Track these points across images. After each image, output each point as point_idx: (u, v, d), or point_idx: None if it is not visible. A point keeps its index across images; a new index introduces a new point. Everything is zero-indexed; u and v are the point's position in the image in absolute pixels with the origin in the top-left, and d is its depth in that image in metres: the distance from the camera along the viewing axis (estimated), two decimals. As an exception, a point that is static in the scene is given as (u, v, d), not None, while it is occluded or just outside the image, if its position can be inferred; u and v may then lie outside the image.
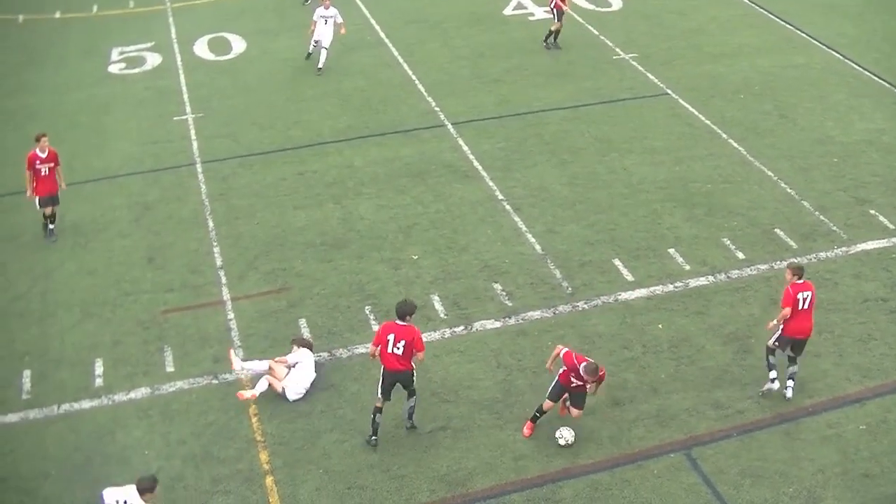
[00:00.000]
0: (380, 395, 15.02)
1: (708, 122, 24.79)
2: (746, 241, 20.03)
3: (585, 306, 18.20)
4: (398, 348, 14.65)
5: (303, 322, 17.82)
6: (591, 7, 32.20)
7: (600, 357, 16.68)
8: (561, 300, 18.34)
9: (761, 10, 32.16)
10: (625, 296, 18.46)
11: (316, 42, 27.50)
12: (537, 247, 19.79)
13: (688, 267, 19.21)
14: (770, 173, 22.48)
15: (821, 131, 24.50)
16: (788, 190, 21.83)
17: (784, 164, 22.84)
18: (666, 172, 22.56)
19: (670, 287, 18.66)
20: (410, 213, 21.08)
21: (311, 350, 16.52)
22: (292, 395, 16.08)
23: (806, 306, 15.55)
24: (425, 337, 16.63)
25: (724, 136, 24.07)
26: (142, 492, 12.58)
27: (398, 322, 14.75)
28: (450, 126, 24.80)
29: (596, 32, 30.22)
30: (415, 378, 15.18)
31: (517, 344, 17.26)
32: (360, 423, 15.59)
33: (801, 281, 15.60)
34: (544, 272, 19.13)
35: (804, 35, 30.19)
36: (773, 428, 15.53)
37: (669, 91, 26.39)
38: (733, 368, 16.73)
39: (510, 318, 17.88)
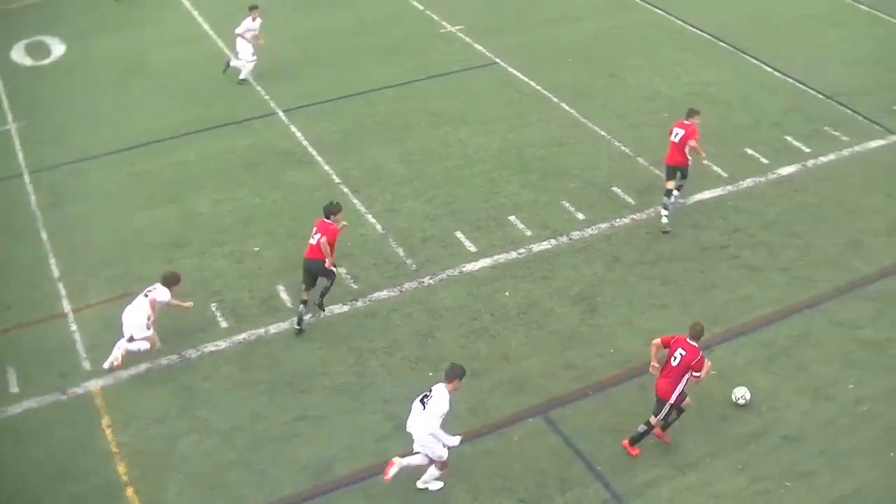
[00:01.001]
0: (303, 286, 17.57)
1: (539, 87, 25.93)
2: (585, 201, 21.21)
3: (431, 281, 19.02)
4: (313, 239, 17.28)
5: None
6: (414, -18, 32.99)
7: (450, 331, 17.59)
8: (406, 278, 19.12)
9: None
10: (469, 267, 19.36)
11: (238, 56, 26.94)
12: (378, 227, 20.51)
13: (529, 232, 20.24)
14: (603, 133, 23.79)
15: (649, 88, 26.01)
16: (622, 148, 23.17)
17: (616, 123, 24.20)
18: (500, 141, 23.58)
19: (514, 254, 19.66)
20: (248, 204, 21.53)
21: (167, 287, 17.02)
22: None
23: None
24: (273, 328, 17.28)
25: (556, 100, 25.24)
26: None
27: (324, 219, 17.36)
28: (281, 114, 25.25)
29: (421, 7, 31.06)
30: (324, 270, 17.46)
31: (366, 326, 17.95)
32: (216, 422, 16.07)
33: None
34: (387, 251, 19.86)
35: (627, -3, 31.74)
36: (627, 383, 16.62)
37: (499, 60, 27.42)
38: (582, 328, 17.80)
39: (357, 300, 18.55)
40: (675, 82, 26.25)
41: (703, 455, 15.35)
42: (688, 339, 14.92)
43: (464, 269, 19.29)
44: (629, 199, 21.29)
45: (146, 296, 16.94)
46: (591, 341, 17.43)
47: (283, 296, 18.71)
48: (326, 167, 22.76)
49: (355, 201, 21.35)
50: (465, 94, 25.78)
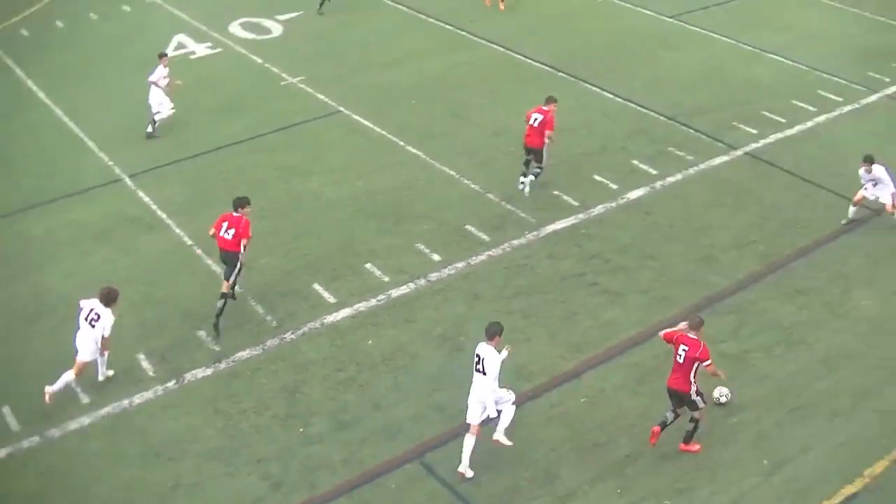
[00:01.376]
0: (223, 278, 19.20)
1: (384, 132, 26.33)
2: (440, 242, 21.60)
3: (293, 336, 19.08)
4: (228, 234, 18.87)
5: (7, 410, 17.55)
6: (252, 36, 33.16)
7: (317, 384, 17.69)
8: (268, 334, 19.12)
9: (420, 15, 34.34)
10: (330, 318, 19.48)
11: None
12: (236, 287, 20.48)
13: (387, 278, 20.49)
14: (452, 172, 24.28)
15: (494, 123, 26.68)
16: (472, 185, 23.70)
17: (464, 162, 24.74)
18: (351, 189, 23.84)
19: (373, 301, 19.87)
20: (101, 274, 21.13)
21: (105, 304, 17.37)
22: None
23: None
24: (137, 399, 17.14)
25: (402, 143, 25.68)
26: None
27: (233, 213, 19.00)
28: (127, 179, 24.93)
29: (260, 61, 31.21)
30: (239, 259, 18.97)
31: (232, 387, 17.89)
32: (87, 501, 15.72)
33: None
34: (247, 309, 19.84)
35: (465, 34, 32.55)
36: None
37: (342, 108, 27.77)
38: (449, 369, 18.04)
39: (220, 362, 18.48)
40: (521, 116, 26.78)
41: (582, 483, 15.72)
42: (688, 334, 15.64)
43: (325, 321, 19.41)
44: (483, 236, 21.77)
45: (92, 325, 17.18)
46: (458, 381, 17.58)
47: (144, 364, 18.49)
48: (177, 230, 22.63)
49: (209, 262, 21.24)
50: (312, 145, 26.04)
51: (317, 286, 20.36)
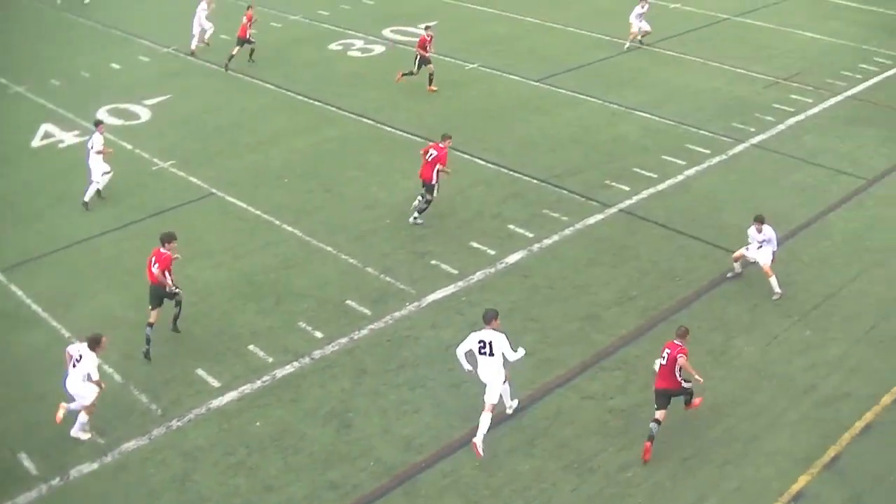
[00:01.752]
0: (149, 307, 20.71)
1: (259, 212, 26.54)
2: (321, 319, 21.81)
3: (179, 423, 19.03)
4: (154, 268, 20.52)
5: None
6: (120, 122, 33.07)
7: (207, 470, 17.68)
8: (154, 424, 19.01)
9: (288, 92, 34.83)
10: (216, 402, 19.47)
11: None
12: (116, 376, 20.32)
13: (271, 359, 20.60)
14: (330, 248, 24.59)
15: (367, 197, 27.14)
16: (350, 260, 24.03)
17: (341, 237, 25.08)
18: (228, 272, 23.95)
19: (258, 383, 19.93)
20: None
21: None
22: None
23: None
24: (21, 499, 16.98)
25: (278, 222, 25.94)
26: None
27: (160, 248, 20.64)
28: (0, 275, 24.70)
29: (130, 147, 31.14)
30: (168, 290, 20.56)
31: (119, 480, 17.70)
32: None
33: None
34: (130, 399, 19.70)
35: (334, 109, 33.11)
36: (393, 492, 17.09)
37: (215, 190, 27.90)
38: (339, 446, 18.20)
39: (106, 455, 18.31)
40: (394, 188, 27.56)
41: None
42: (674, 340, 17.98)
43: (211, 406, 19.43)
44: (365, 311, 22.07)
45: (74, 366, 18.36)
46: (350, 457, 17.90)
47: (27, 463, 18.21)
48: (55, 323, 22.37)
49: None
50: (186, 229, 25.90)
51: (200, 371, 20.37)
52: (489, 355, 17.70)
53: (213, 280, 23.66)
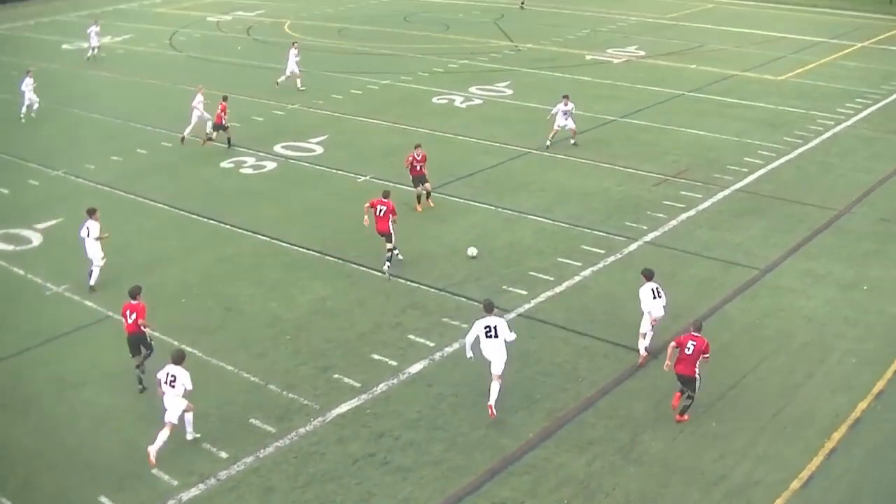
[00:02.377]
0: (130, 355, 23.83)
1: (156, 333, 26.01)
2: (226, 439, 21.72)
3: (82, 557, 18.74)
4: (130, 318, 23.48)
5: None
6: (10, 247, 32.66)
7: None
8: (54, 560, 18.70)
9: (181, 211, 34.86)
10: (121, 530, 19.25)
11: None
12: (13, 512, 20.03)
13: (176, 482, 20.39)
14: (231, 367, 24.57)
15: (267, 314, 27.24)
16: (252, 378, 24.03)
17: (242, 355, 25.10)
18: (128, 394, 23.67)
19: (165, 508, 19.80)
20: None
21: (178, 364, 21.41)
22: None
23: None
24: None
25: (177, 343, 25.73)
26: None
27: (131, 301, 23.61)
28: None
29: (22, 272, 30.78)
30: (146, 338, 23.53)
31: None
32: None
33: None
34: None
35: (228, 226, 33.22)
36: None
37: (111, 313, 27.62)
38: (251, 567, 18.13)
39: None
40: (292, 303, 27.69)
41: None
42: (694, 333, 21.64)
43: (115, 535, 19.18)
44: (269, 428, 22.05)
45: (172, 386, 21.15)
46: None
47: None
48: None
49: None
50: (84, 354, 25.78)
51: (103, 498, 20.07)
52: (494, 337, 22.09)
53: (114, 404, 23.44)
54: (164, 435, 20.86)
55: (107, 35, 69.67)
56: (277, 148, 41.60)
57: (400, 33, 65.87)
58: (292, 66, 51.83)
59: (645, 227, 32.01)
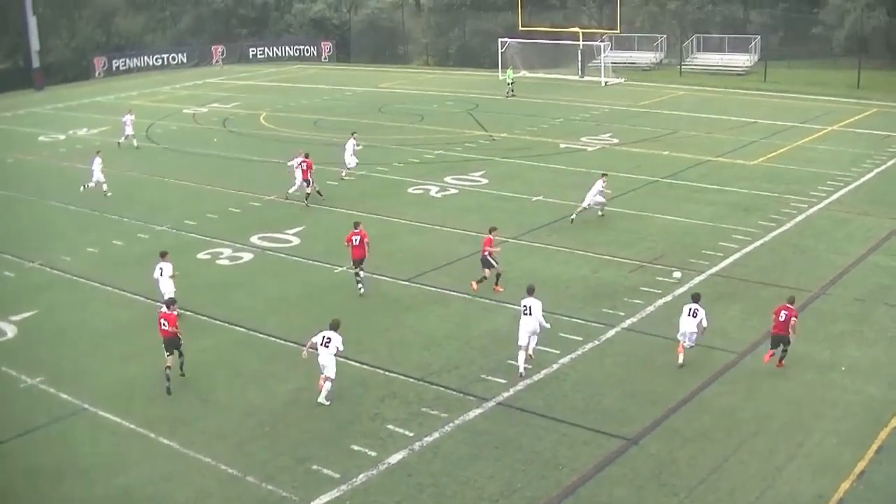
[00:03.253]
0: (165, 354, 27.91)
1: (132, 425, 26.29)
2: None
3: None
4: (165, 325, 28.04)
5: None
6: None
7: None
8: None
9: (158, 302, 34.57)
10: None
11: None
12: None
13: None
14: (208, 459, 24.42)
15: (246, 404, 27.18)
16: (230, 470, 23.89)
17: (219, 446, 24.97)
18: (104, 488, 23.49)
19: None
20: None
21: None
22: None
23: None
24: None
25: (153, 435, 25.69)
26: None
27: (165, 311, 28.37)
28: None
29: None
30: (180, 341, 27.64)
31: None
32: None
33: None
34: None
35: (205, 318, 33.27)
36: None
37: (87, 405, 27.51)
38: None
39: None
40: (270, 394, 27.69)
41: None
42: (787, 305, 28.32)
43: None
44: (250, 524, 21.94)
45: (326, 346, 26.84)
46: None
47: None
48: None
49: None
50: (58, 449, 25.60)
51: None
52: (529, 315, 28.05)
53: (89, 499, 23.19)
54: (326, 385, 26.84)
55: (83, 127, 70.38)
56: (254, 239, 41.79)
57: (375, 124, 66.60)
58: (350, 157, 52.55)
59: (622, 314, 32.19)
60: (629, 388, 26.81)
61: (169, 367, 27.93)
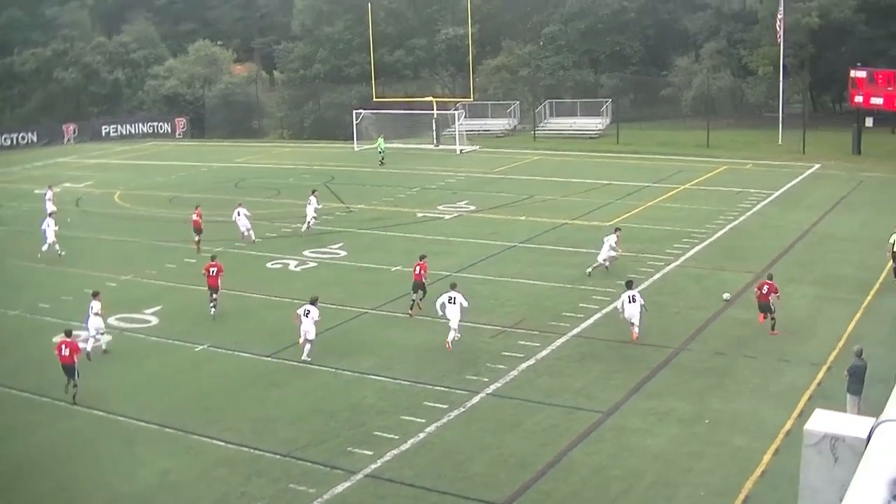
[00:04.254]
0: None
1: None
2: None
3: None
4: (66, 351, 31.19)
5: None
6: None
7: None
8: None
9: (12, 390, 33.79)
10: None
11: None
12: None
13: None
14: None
15: (108, 491, 26.54)
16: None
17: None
18: None
19: None
20: None
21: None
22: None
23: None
24: None
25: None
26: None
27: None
28: None
29: None
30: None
31: None
32: None
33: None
34: None
35: (64, 404, 32.32)
36: None
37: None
38: None
39: None
40: (133, 478, 27.00)
41: None
42: (767, 280, 35.38)
43: None
44: None
45: (307, 315, 34.80)
46: None
47: None
48: None
49: None
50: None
51: None
52: (454, 304, 35.27)
53: None
54: (307, 347, 34.52)
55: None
56: (111, 320, 40.83)
57: (232, 199, 65.98)
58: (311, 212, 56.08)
59: (486, 380, 32.36)
60: (497, 454, 26.92)
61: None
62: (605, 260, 44.17)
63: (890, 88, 76.31)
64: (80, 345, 33.83)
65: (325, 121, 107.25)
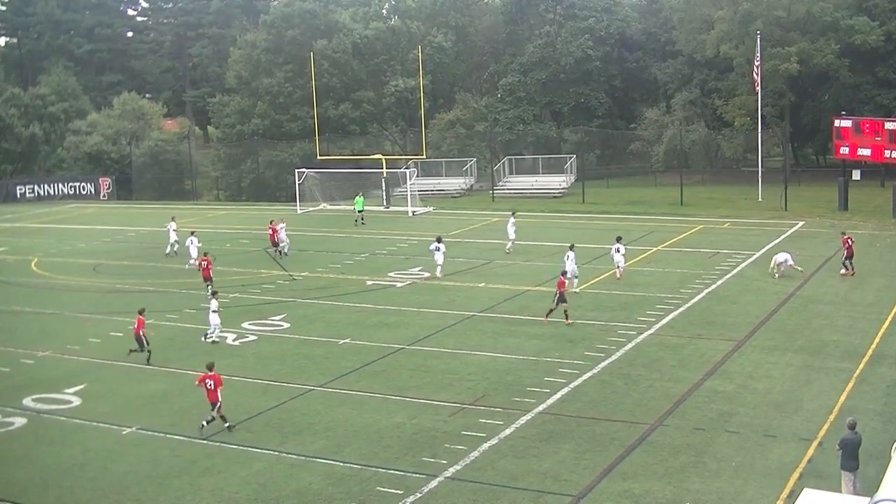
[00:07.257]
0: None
1: None
2: None
3: None
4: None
5: None
6: None
7: None
8: None
9: None
10: None
11: None
12: None
13: None
14: None
15: None
16: None
17: None
18: None
19: None
20: None
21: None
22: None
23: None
24: None
25: None
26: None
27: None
28: None
29: None
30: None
31: None
32: None
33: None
34: None
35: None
36: None
37: None
38: None
39: None
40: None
41: None
42: (845, 236, 52.67)
43: None
44: None
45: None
46: None
47: None
48: None
49: None
50: None
51: None
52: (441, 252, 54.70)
53: None
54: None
55: None
56: (27, 402, 40.26)
57: (161, 267, 65.77)
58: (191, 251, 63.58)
59: (444, 462, 32.09)
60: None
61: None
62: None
63: (878, 138, 77.16)
64: None
65: (263, 181, 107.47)
